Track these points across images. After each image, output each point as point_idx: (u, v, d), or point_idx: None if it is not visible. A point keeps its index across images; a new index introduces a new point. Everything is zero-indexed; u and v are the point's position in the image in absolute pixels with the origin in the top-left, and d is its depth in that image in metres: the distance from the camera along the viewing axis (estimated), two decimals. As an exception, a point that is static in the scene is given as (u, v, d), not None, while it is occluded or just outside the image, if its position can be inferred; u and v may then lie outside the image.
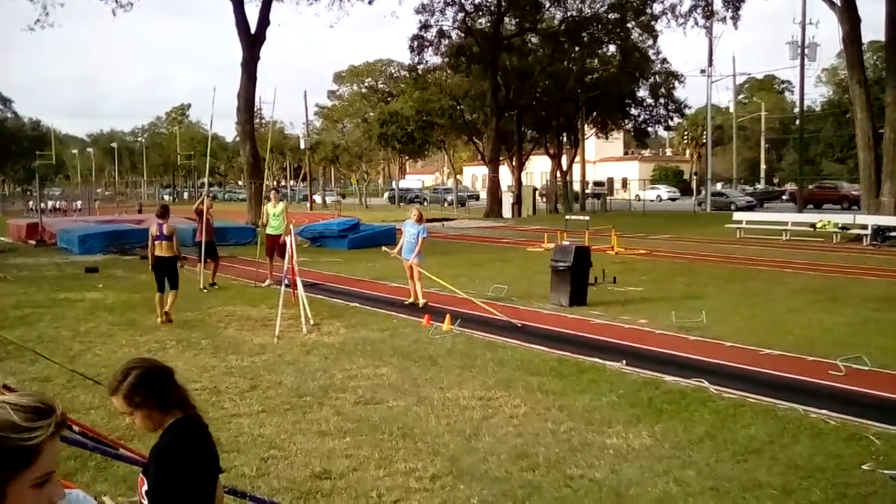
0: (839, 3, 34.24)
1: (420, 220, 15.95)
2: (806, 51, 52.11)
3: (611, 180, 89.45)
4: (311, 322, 13.12)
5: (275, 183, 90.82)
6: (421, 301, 15.29)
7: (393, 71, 79.84)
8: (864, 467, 6.65)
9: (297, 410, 8.33)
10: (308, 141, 74.24)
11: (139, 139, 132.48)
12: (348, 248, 28.33)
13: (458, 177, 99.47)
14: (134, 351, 11.36)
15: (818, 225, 33.54)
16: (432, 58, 58.53)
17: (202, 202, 19.59)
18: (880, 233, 30.48)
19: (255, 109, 46.67)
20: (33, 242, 31.78)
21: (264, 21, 41.12)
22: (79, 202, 66.56)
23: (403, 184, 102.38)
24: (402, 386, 9.25)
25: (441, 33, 55.62)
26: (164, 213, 15.16)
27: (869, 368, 10.02)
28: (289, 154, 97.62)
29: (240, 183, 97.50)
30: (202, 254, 18.39)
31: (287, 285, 14.09)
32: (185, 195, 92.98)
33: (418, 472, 6.53)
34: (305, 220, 36.15)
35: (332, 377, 9.70)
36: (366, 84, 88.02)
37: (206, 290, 17.77)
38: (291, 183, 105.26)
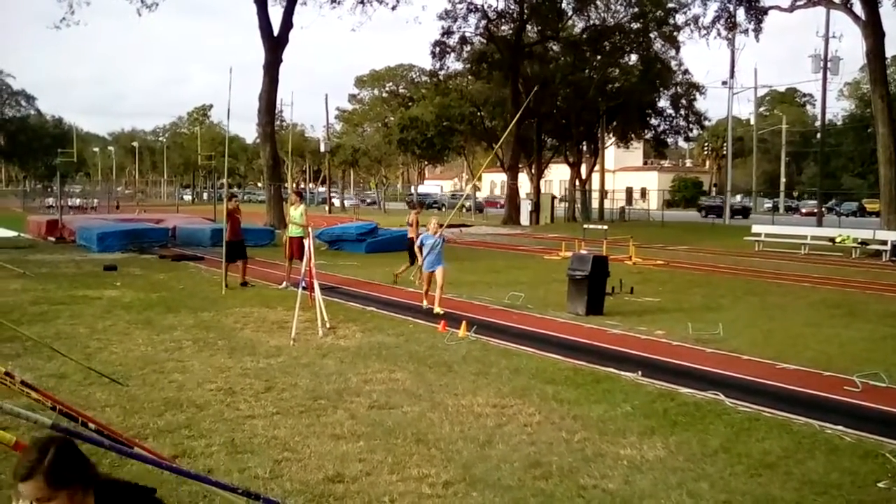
0: (864, 18, 34.10)
1: (438, 230, 15.72)
2: (829, 64, 51.98)
3: (630, 190, 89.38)
4: (328, 325, 13.14)
5: (294, 185, 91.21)
6: (438, 309, 15.12)
7: (414, 76, 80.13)
8: (881, 485, 6.60)
9: (311, 413, 8.33)
10: (328, 144, 74.42)
11: (160, 139, 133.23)
12: (366, 252, 28.39)
13: (477, 183, 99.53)
14: (150, 350, 11.41)
15: (838, 239, 33.34)
16: (454, 64, 58.82)
17: (230, 201, 19.72)
18: (900, 249, 30.29)
19: (276, 112, 46.93)
20: (53, 239, 31.98)
21: (287, 23, 41.36)
22: (95, 200, 66.93)
23: (422, 189, 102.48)
24: (416, 391, 9.25)
25: (463, 39, 55.82)
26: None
27: (886, 385, 9.95)
28: (309, 157, 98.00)
29: (259, 185, 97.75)
30: (225, 254, 18.47)
31: (304, 288, 14.11)
32: (205, 196, 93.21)
33: (431, 479, 6.52)
34: (324, 223, 36.25)
35: (347, 381, 9.71)
36: (387, 89, 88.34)
37: (234, 289, 17.84)
38: (311, 185, 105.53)
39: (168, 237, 30.94)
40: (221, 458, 6.94)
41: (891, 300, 18.75)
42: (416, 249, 16.32)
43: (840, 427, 8.11)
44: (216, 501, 5.81)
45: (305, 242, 14.99)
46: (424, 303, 15.54)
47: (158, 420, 8.02)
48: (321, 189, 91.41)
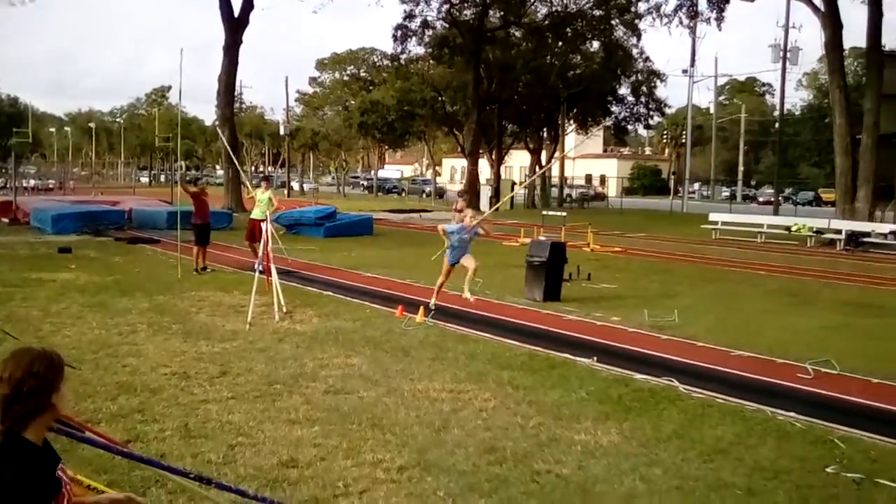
0: (823, 9, 34.42)
1: (471, 222, 14.02)
2: (788, 54, 52.47)
3: (589, 177, 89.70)
4: (284, 310, 13.08)
5: (253, 169, 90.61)
6: (468, 294, 14.17)
7: (375, 60, 79.52)
8: (829, 470, 6.70)
9: (266, 398, 8.29)
10: (288, 127, 73.85)
11: (118, 120, 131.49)
12: (324, 237, 28.28)
13: (438, 168, 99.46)
14: (104, 333, 11.30)
15: (793, 228, 33.75)
16: (415, 48, 58.49)
17: (191, 184, 19.69)
18: (854, 238, 30.74)
19: (236, 94, 46.52)
20: (6, 221, 31.52)
21: (248, 4, 40.93)
22: (51, 182, 66.12)
23: (382, 173, 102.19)
24: (372, 376, 9.23)
25: (425, 24, 55.52)
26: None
27: (837, 372, 10.10)
28: (268, 140, 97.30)
29: (218, 167, 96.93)
30: (196, 237, 18.44)
31: (261, 272, 14.02)
32: (163, 178, 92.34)
33: (386, 463, 6.52)
34: (282, 206, 36.04)
35: (303, 366, 9.67)
36: (348, 72, 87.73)
37: (192, 273, 17.77)
38: (270, 169, 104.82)
39: (124, 220, 30.55)
40: (175, 443, 6.90)
41: (844, 289, 19.02)
42: (442, 234, 14.16)
43: (792, 413, 8.22)
44: (168, 486, 5.77)
45: (263, 226, 14.91)
46: (433, 301, 14.00)
47: (111, 404, 7.94)
48: (280, 172, 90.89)
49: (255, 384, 8.81)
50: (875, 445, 7.40)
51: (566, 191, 65.58)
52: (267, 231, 14.32)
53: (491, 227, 14.01)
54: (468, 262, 13.92)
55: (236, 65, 41.57)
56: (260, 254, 14.39)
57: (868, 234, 31.02)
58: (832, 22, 34.15)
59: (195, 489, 5.48)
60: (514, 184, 61.08)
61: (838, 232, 31.75)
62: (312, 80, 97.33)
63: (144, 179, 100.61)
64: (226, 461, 6.52)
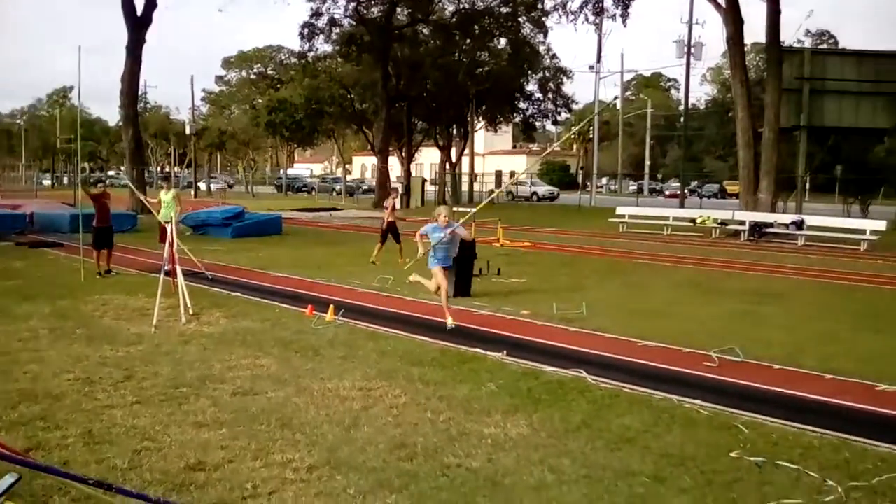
0: (724, 5, 35.14)
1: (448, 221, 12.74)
2: (692, 50, 53.66)
3: (499, 173, 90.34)
4: (191, 312, 12.87)
5: (160, 170, 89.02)
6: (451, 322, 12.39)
7: (283, 58, 78.86)
8: (733, 455, 6.85)
9: (172, 401, 8.14)
10: (194, 126, 72.71)
11: (18, 121, 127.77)
12: (232, 237, 27.91)
13: (348, 166, 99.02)
14: (4, 340, 10.98)
15: (698, 220, 34.50)
16: (323, 45, 58.12)
17: (94, 187, 19.27)
18: (757, 228, 31.54)
19: (140, 94, 45.63)
20: None
21: (151, 3, 40.14)
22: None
23: (291, 172, 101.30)
24: (281, 377, 9.14)
25: (332, 21, 55.23)
26: None
27: (741, 360, 10.33)
28: (174, 139, 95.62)
29: (122, 168, 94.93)
30: (94, 240, 17.98)
31: (167, 273, 13.76)
32: (66, 180, 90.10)
33: (295, 463, 6.45)
34: (189, 207, 35.49)
35: (210, 368, 9.52)
36: (255, 70, 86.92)
37: (95, 276, 17.37)
38: (176, 169, 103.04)
39: (26, 223, 29.66)
40: (78, 450, 6.72)
41: (748, 278, 19.50)
42: (419, 239, 13.02)
43: (698, 401, 8.38)
44: (72, 493, 5.62)
45: (168, 227, 14.66)
46: (449, 320, 12.28)
47: (12, 412, 7.71)
48: (187, 172, 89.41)
49: (160, 388, 8.64)
50: (776, 429, 7.57)
51: (511, 189, 66.73)
52: (172, 232, 14.08)
53: (468, 234, 13.28)
54: (442, 277, 12.66)
55: (140, 64, 40.73)
56: (165, 255, 14.14)
57: (770, 225, 31.87)
58: (733, 18, 34.91)
59: (100, 496, 5.36)
60: (508, 175, 61.68)
61: (742, 223, 32.54)
62: (219, 79, 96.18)
63: (47, 182, 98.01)
64: (131, 466, 6.38)
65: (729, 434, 7.43)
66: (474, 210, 15.54)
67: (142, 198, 22.71)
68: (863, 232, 29.30)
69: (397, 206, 22.02)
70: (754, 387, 9.21)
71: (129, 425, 7.38)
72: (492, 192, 51.96)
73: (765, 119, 34.72)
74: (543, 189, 74.67)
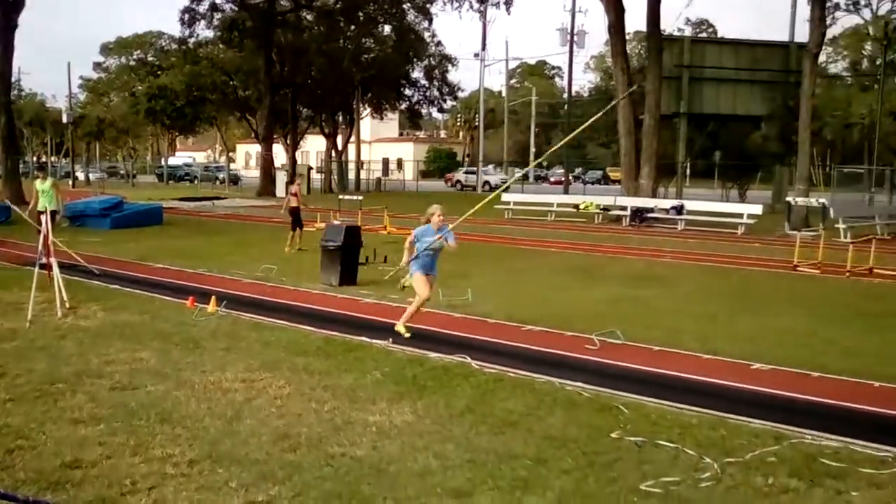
0: (605, -7, 35.73)
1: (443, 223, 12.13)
2: (575, 38, 54.47)
3: (386, 161, 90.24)
4: (67, 305, 12.47)
5: (36, 159, 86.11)
6: (402, 327, 11.15)
7: (163, 44, 77.13)
8: (613, 435, 6.99)
9: (48, 398, 7.87)
10: (71, 115, 70.49)
11: None
12: (110, 228, 27.16)
13: (232, 154, 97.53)
14: None
15: (582, 206, 35.11)
16: (204, 31, 57.11)
17: None
18: (638, 214, 32.31)
19: (13, 80, 44.02)
20: None
21: (25, -14, 38.73)
22: None
23: (173, 161, 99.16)
24: (161, 370, 8.93)
25: (213, 6, 54.35)
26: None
27: (622, 342, 10.56)
28: (50, 128, 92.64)
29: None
30: None
31: (42, 266, 13.29)
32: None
33: (175, 458, 6.32)
34: (67, 197, 34.38)
35: (87, 362, 9.24)
36: (134, 57, 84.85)
37: None
38: (53, 159, 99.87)
39: None
40: (-55, 452, 6.45)
41: (629, 262, 19.94)
42: (408, 246, 12.04)
43: (579, 383, 8.53)
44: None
45: (42, 218, 14.15)
46: (403, 328, 11.06)
47: None
48: (65, 161, 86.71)
49: (35, 384, 8.34)
50: (655, 409, 7.76)
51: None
52: (46, 223, 13.60)
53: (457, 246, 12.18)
54: (427, 286, 11.52)
55: (12, 49, 39.27)
56: (40, 247, 13.65)
57: (651, 210, 32.69)
58: (615, 6, 35.54)
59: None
60: (395, 163, 60.76)
61: (624, 209, 33.31)
62: (97, 66, 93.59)
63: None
64: (3, 466, 6.15)
65: (610, 415, 7.57)
66: (473, 210, 14.16)
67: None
68: (740, 216, 30.30)
69: (300, 193, 21.93)
70: (633, 368, 9.42)
71: (1, 424, 7.11)
72: (504, 181, 52.00)
73: (646, 106, 35.49)
74: (495, 178, 71.31)
